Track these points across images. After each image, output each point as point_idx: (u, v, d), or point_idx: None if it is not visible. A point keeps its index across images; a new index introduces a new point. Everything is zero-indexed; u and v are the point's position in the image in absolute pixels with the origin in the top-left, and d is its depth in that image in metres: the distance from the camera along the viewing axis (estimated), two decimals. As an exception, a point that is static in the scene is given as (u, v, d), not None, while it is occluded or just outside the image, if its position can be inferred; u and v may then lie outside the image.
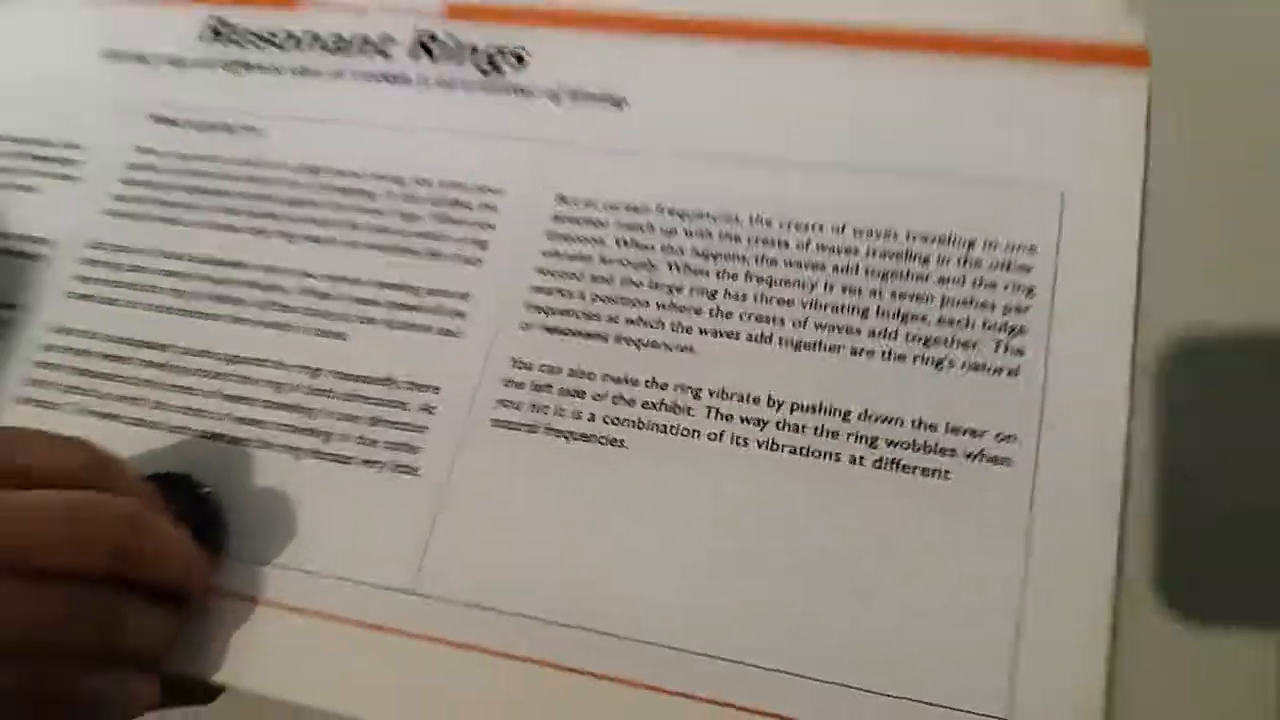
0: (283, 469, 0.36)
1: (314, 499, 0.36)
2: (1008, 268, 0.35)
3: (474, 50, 0.41)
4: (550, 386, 0.36)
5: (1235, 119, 0.37)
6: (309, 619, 0.34)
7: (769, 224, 0.37)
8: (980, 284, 0.34)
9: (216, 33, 0.44)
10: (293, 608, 0.34)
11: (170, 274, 0.40)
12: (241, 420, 0.37)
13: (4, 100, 0.45)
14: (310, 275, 0.39)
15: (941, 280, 0.35)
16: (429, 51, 0.42)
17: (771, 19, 0.39)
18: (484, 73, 0.41)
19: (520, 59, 0.41)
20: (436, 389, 0.36)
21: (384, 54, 0.42)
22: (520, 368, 0.36)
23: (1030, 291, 0.34)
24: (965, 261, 0.35)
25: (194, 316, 0.39)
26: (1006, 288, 0.34)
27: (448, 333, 0.37)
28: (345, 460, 0.36)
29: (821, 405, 0.34)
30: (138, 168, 0.42)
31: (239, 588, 0.35)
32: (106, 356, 0.39)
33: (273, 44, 0.43)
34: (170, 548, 0.33)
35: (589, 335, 0.36)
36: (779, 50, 0.39)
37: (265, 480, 0.36)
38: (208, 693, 0.35)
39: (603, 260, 0.37)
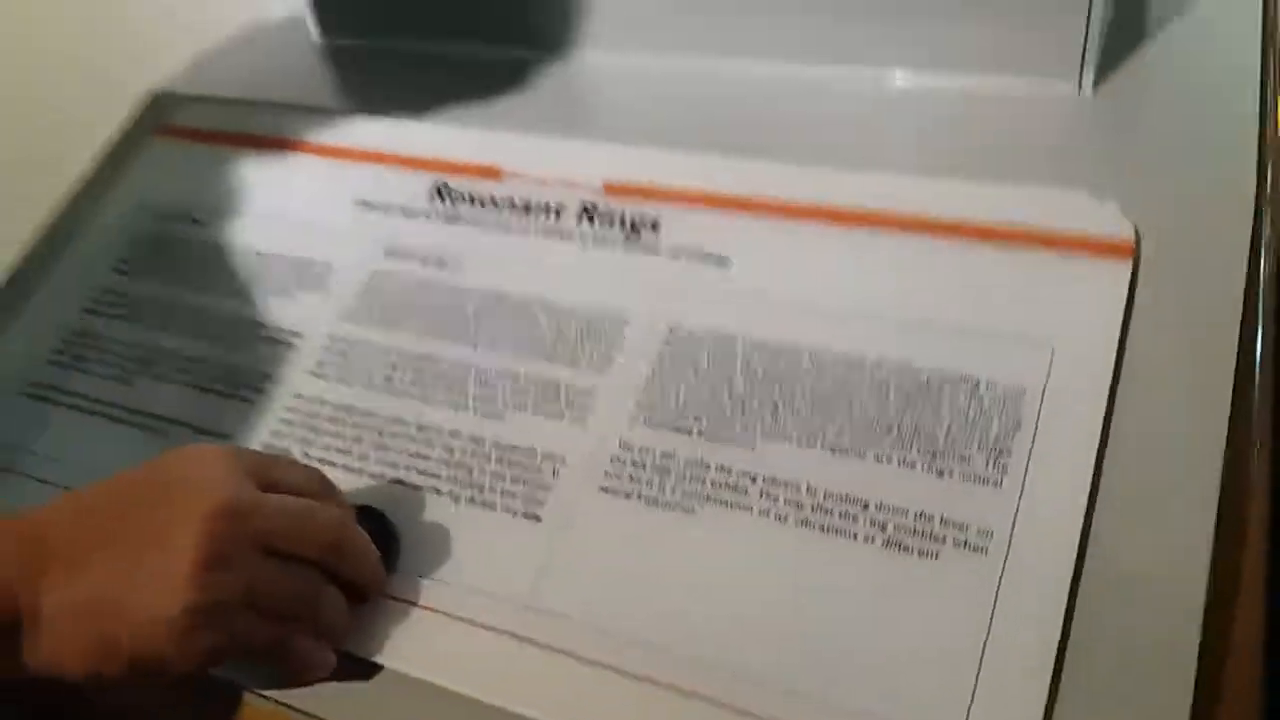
0: (445, 509, 0.49)
1: (465, 532, 0.48)
2: (1003, 403, 0.45)
3: (622, 218, 0.56)
4: (644, 465, 0.47)
5: (1209, 293, 0.46)
6: (453, 620, 0.46)
7: (823, 358, 0.48)
8: (980, 414, 0.45)
9: (439, 192, 0.60)
10: (442, 612, 0.46)
11: (383, 364, 0.55)
12: (421, 472, 0.50)
13: (286, 227, 0.61)
14: (483, 370, 0.53)
15: (950, 409, 0.45)
16: (590, 217, 0.56)
17: (839, 205, 0.52)
18: (627, 235, 0.55)
19: (654, 226, 0.55)
20: (563, 459, 0.49)
21: (557, 217, 0.57)
22: (624, 449, 0.48)
23: (1019, 423, 0.44)
24: (970, 396, 0.45)
25: (397, 395, 0.53)
26: (1000, 418, 0.44)
27: (576, 420, 0.50)
28: (491, 506, 0.48)
29: (847, 496, 0.44)
30: (370, 286, 0.58)
31: (403, 593, 0.47)
32: (329, 419, 0.54)
33: (479, 204, 0.59)
34: (361, 553, 0.46)
35: (677, 429, 0.48)
36: (843, 230, 0.51)
37: (432, 516, 0.49)
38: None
39: (695, 375, 0.49)
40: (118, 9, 0.84)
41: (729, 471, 0.46)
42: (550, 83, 0.67)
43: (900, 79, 0.59)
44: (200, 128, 0.69)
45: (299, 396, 0.55)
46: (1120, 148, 0.54)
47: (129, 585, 0.41)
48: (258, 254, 0.61)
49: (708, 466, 0.47)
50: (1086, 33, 0.54)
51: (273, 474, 0.45)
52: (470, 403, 0.52)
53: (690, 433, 0.48)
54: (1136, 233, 0.48)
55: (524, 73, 0.68)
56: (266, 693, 0.46)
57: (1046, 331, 0.46)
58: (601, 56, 0.67)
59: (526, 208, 0.58)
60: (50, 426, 0.58)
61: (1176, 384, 0.44)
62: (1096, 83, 0.56)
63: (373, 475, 0.51)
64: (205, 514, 0.41)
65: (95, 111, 0.73)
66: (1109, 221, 0.48)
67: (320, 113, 0.67)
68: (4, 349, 0.62)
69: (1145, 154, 0.52)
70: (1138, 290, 0.46)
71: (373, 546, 0.47)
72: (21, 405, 0.59)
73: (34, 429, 0.58)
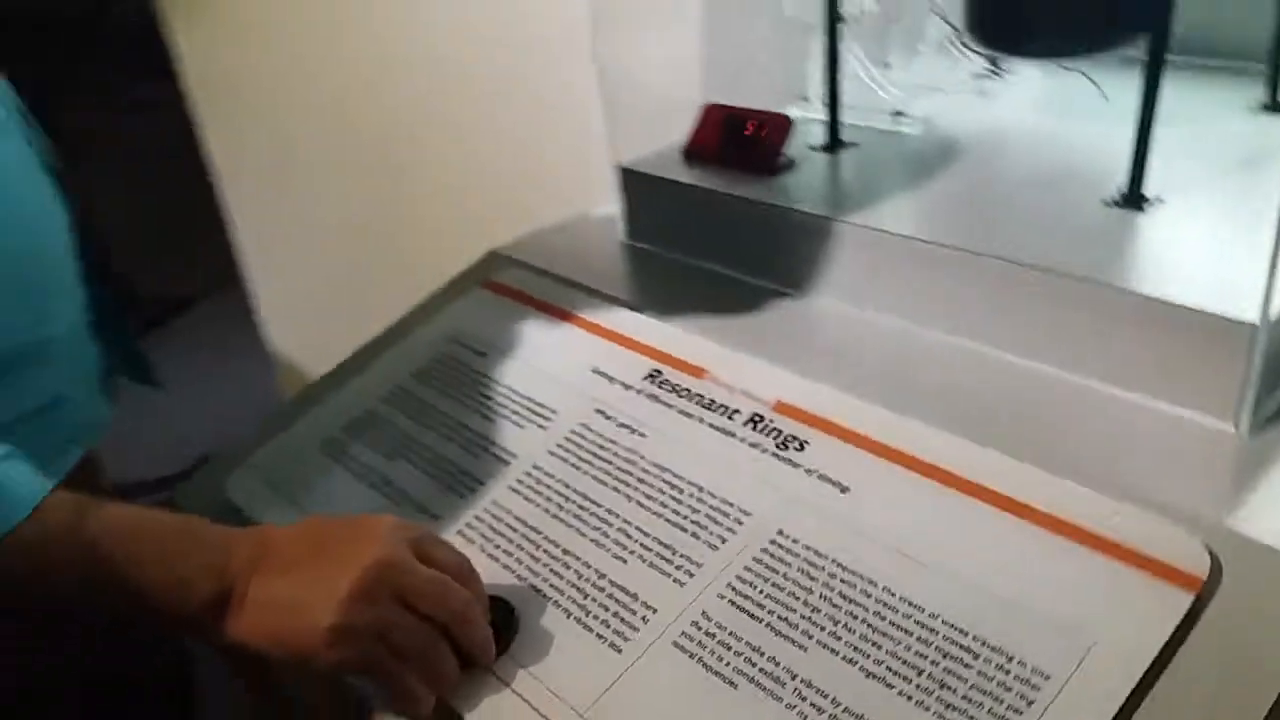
0: (558, 618, 0.60)
1: (564, 641, 0.59)
2: (1026, 681, 0.49)
3: (779, 432, 0.65)
4: (714, 635, 0.56)
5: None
6: (527, 706, 0.56)
7: (890, 594, 0.55)
8: (1002, 683, 0.49)
9: (652, 376, 0.73)
10: (521, 696, 0.57)
11: (560, 495, 0.68)
12: (552, 585, 0.62)
13: (536, 374, 0.77)
14: (628, 520, 0.64)
15: (979, 672, 0.50)
16: (755, 424, 0.67)
17: (957, 471, 0.58)
18: (778, 446, 0.65)
19: (802, 446, 0.64)
20: (656, 609, 0.58)
21: (730, 417, 0.68)
22: (705, 618, 0.57)
23: (1032, 702, 0.48)
24: (999, 667, 0.50)
25: (560, 521, 0.66)
26: (1017, 692, 0.48)
27: (678, 582, 0.59)
28: (590, 628, 0.59)
29: (862, 717, 0.50)
30: (574, 434, 0.72)
31: (502, 673, 0.58)
32: (508, 525, 0.67)
33: (677, 392, 0.71)
34: (477, 629, 0.58)
35: (751, 615, 0.56)
36: (953, 493, 0.58)
37: (546, 620, 0.60)
38: None
39: (783, 576, 0.57)
40: (475, 192, 1.08)
41: (776, 663, 0.54)
42: (779, 313, 0.79)
43: (1062, 377, 0.65)
44: (510, 285, 0.88)
45: (495, 503, 0.69)
46: (1244, 491, 0.56)
47: (306, 596, 0.55)
48: (509, 388, 0.77)
49: (761, 653, 0.54)
50: (1246, 376, 0.58)
51: (430, 551, 0.59)
52: (608, 543, 0.63)
53: (760, 620, 0.56)
54: (1214, 571, 0.50)
55: (762, 301, 0.81)
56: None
57: (1092, 632, 0.50)
58: (828, 303, 0.78)
59: (710, 404, 0.69)
60: (329, 476, 0.76)
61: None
62: (1258, 427, 0.59)
63: (518, 575, 0.63)
64: (367, 563, 0.55)
65: (451, 261, 0.95)
66: (1188, 553, 0.51)
67: (598, 296, 0.83)
68: (320, 412, 0.82)
69: (1262, 504, 0.54)
70: (1196, 625, 0.49)
71: (488, 627, 0.59)
72: (316, 456, 0.79)
73: (318, 476, 0.77)
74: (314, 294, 1.94)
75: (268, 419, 0.85)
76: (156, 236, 2.58)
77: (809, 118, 0.92)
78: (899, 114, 0.92)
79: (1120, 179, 0.71)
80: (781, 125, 0.87)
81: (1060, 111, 0.90)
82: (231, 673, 0.75)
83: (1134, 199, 0.70)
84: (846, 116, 0.90)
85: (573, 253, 0.92)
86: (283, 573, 0.57)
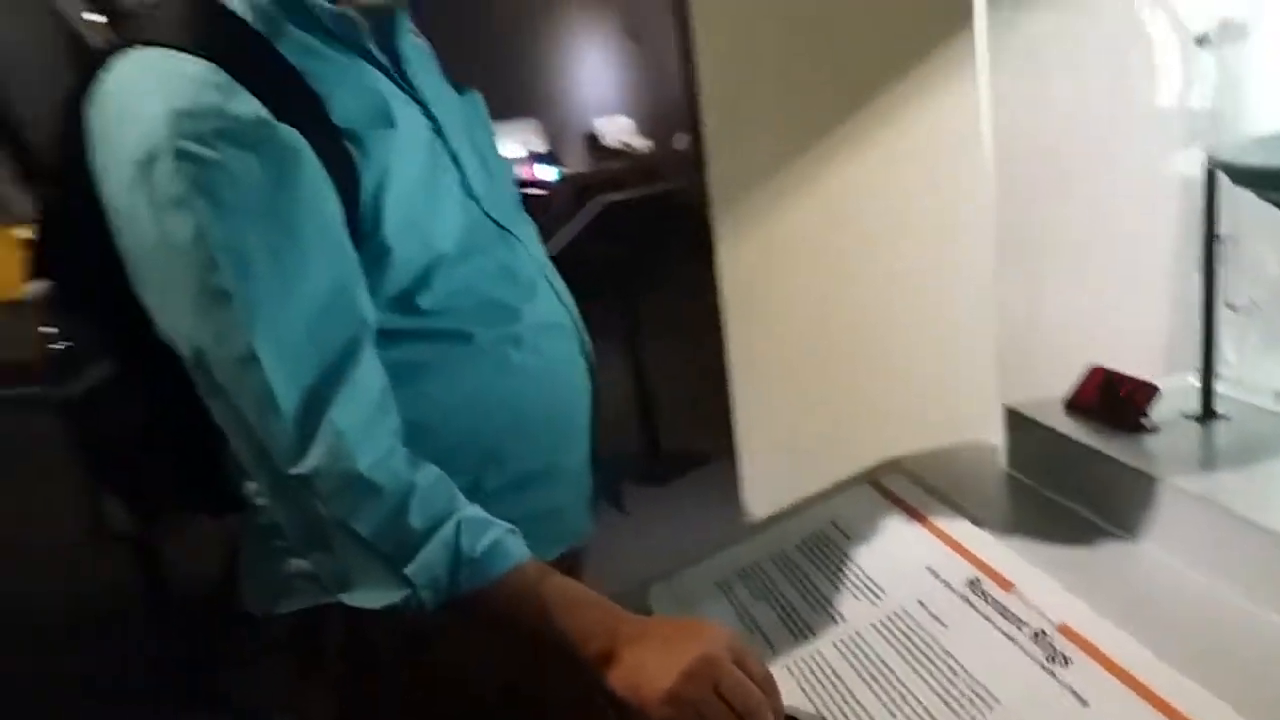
0: (831, 747, 0.78)
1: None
2: None
3: (1053, 647, 0.77)
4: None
5: None
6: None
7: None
8: None
9: (972, 583, 0.88)
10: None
11: (868, 660, 0.85)
12: (833, 716, 0.80)
13: (883, 560, 0.96)
14: (906, 689, 0.80)
15: None
16: (1036, 637, 0.79)
17: (1179, 708, 0.67)
18: (1047, 659, 0.77)
19: (1066, 662, 0.76)
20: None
21: (1018, 626, 0.81)
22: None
23: None
24: None
25: (856, 675, 0.83)
26: None
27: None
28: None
29: None
30: (893, 614, 0.89)
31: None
32: (823, 671, 0.86)
33: (985, 599, 0.86)
34: (769, 732, 0.78)
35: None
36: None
37: (823, 746, 0.78)
38: None
39: (1006, 757, 0.70)
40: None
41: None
42: (1108, 553, 0.90)
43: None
44: (889, 488, 1.07)
45: (818, 652, 0.89)
46: None
47: (657, 666, 0.80)
48: (859, 567, 0.97)
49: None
50: None
51: (746, 661, 0.80)
52: (887, 699, 0.80)
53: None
54: None
55: (1099, 539, 0.92)
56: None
57: None
58: (1157, 554, 0.88)
59: (1005, 612, 0.83)
60: (715, 601, 1.01)
61: None
62: None
63: (814, 705, 0.82)
64: (697, 654, 0.78)
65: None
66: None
67: (955, 509, 1.00)
68: (724, 557, 1.08)
69: None
70: None
71: (775, 730, 0.78)
72: (710, 588, 1.04)
73: (708, 600, 1.01)
74: (791, 464, 2.22)
75: (695, 559, 1.11)
76: (690, 397, 3.08)
77: (1194, 386, 1.01)
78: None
79: None
80: (1147, 392, 0.98)
81: None
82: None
83: None
84: (1231, 390, 0.98)
85: (954, 473, 1.09)
86: (647, 646, 0.81)
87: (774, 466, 2.28)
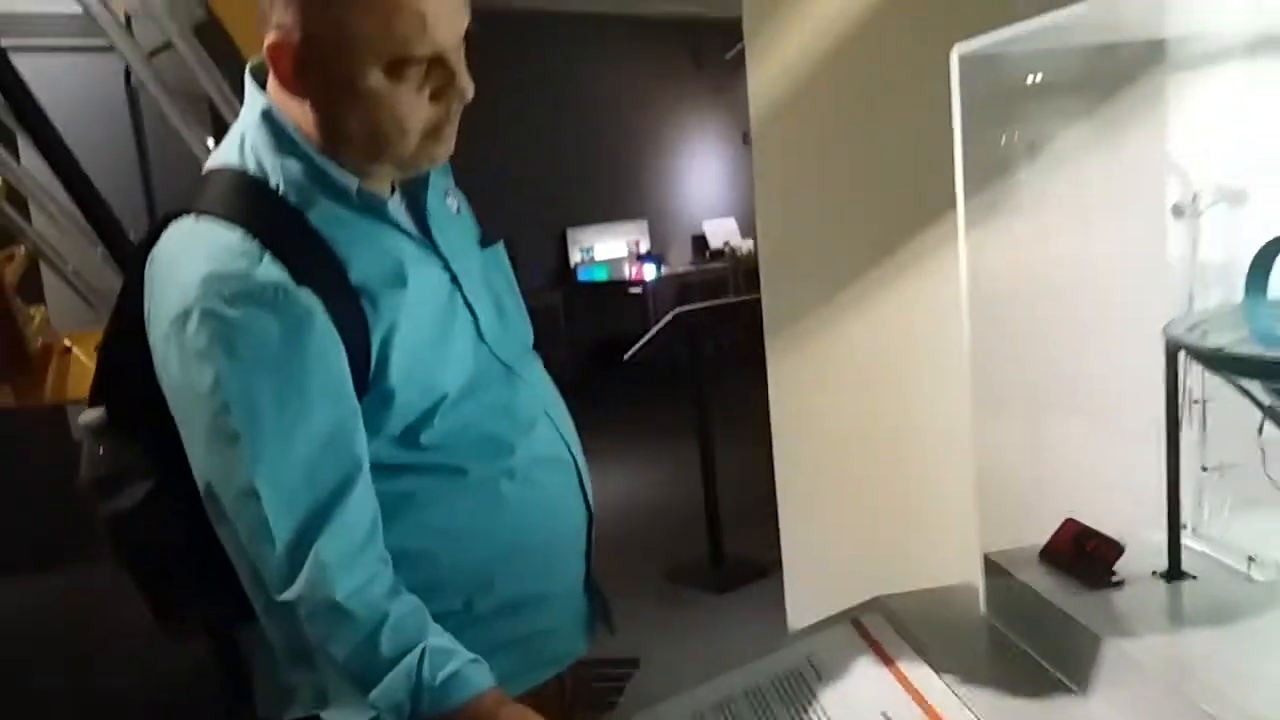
0: None
1: None
2: None
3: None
4: None
5: None
6: None
7: None
8: None
9: (918, 730, 0.92)
10: None
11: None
12: None
13: (840, 700, 1.00)
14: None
15: None
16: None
17: None
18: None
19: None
20: None
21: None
22: None
23: None
24: None
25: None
26: None
27: None
28: None
29: None
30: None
31: None
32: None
33: (926, 748, 0.89)
34: None
35: None
36: None
37: None
38: None
39: None
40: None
41: None
42: (1056, 710, 0.92)
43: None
44: (867, 628, 1.11)
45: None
46: None
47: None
48: (821, 706, 1.01)
49: None
50: None
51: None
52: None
53: None
54: None
55: (1054, 691, 0.94)
56: None
57: None
58: (1101, 709, 0.90)
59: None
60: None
61: None
62: None
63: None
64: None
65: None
66: None
67: (922, 659, 1.03)
68: (704, 690, 1.12)
69: None
70: None
71: None
72: (686, 716, 1.09)
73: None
74: (832, 581, 2.24)
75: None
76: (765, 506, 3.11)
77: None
78: (1252, 559, 0.99)
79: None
80: (1114, 550, 1.01)
81: None
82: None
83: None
84: (1209, 549, 1.01)
85: (932, 617, 1.13)
86: None
87: (817, 583, 2.30)
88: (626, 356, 3.23)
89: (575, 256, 7.27)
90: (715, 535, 3.33)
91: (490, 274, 1.11)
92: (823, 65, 1.75)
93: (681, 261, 7.80)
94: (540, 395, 1.11)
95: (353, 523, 0.90)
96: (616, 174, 7.53)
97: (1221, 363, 0.87)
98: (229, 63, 2.29)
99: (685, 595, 3.26)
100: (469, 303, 1.05)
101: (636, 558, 3.42)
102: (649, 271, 7.09)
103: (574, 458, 1.12)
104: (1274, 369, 0.83)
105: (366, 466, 0.93)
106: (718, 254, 7.64)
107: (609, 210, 7.44)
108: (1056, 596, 1.00)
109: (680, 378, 3.48)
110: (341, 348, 0.91)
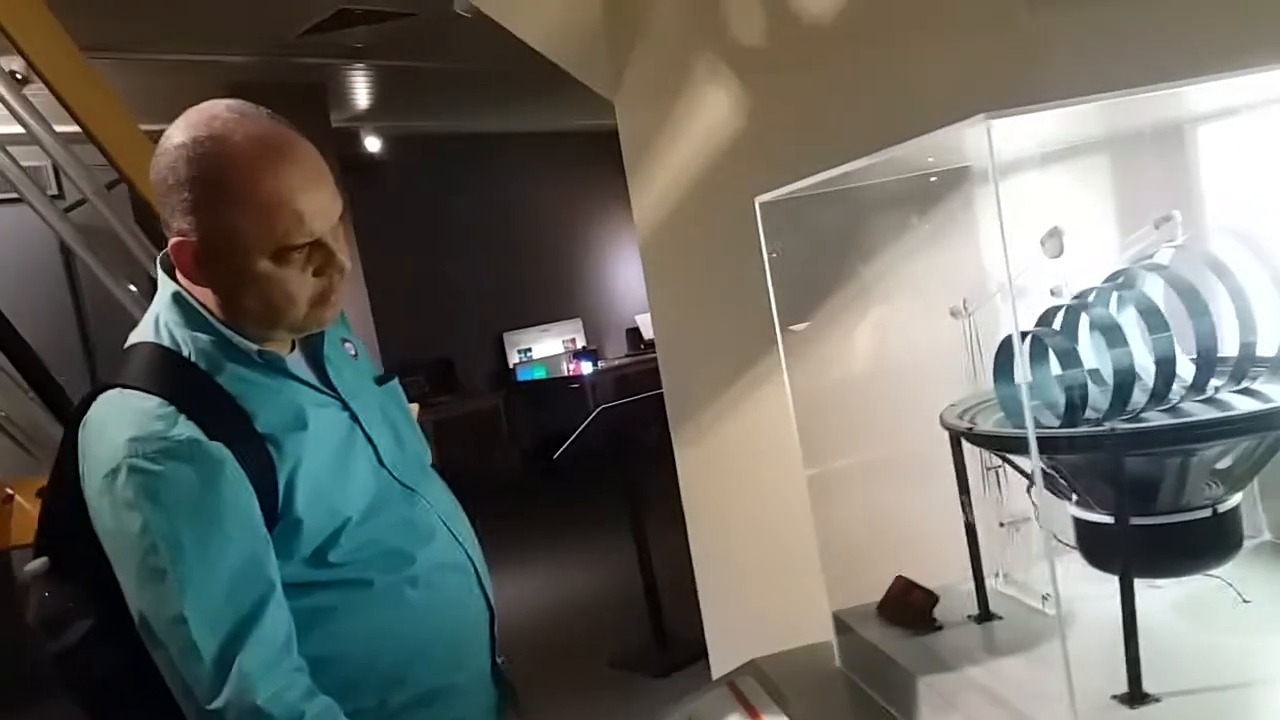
0: None
1: None
2: None
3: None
4: None
5: None
6: None
7: None
8: None
9: (771, 772, 1.07)
10: None
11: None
12: None
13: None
14: None
15: None
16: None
17: None
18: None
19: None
20: None
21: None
22: None
23: None
24: None
25: None
26: None
27: None
28: None
29: None
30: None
31: None
32: None
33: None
34: None
35: None
36: None
37: None
38: None
39: None
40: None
41: None
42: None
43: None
44: (739, 688, 1.27)
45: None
46: None
47: None
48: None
49: None
50: None
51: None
52: None
53: None
54: None
55: (881, 731, 1.10)
56: None
57: None
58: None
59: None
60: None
61: None
62: None
63: None
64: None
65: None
66: None
67: (784, 710, 1.19)
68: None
69: None
70: None
71: None
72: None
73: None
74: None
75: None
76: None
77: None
78: (1045, 596, 1.17)
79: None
80: (930, 599, 1.18)
81: (1193, 615, 1.08)
82: None
83: None
84: (1018, 593, 1.18)
85: (797, 674, 1.29)
86: None
87: (740, 654, 2.44)
88: (555, 456, 3.39)
89: (514, 358, 7.46)
90: (656, 620, 3.45)
91: (387, 407, 1.28)
92: (689, 196, 1.99)
93: (617, 354, 8.05)
94: (438, 508, 1.26)
95: (269, 637, 1.05)
96: (550, 278, 7.83)
97: (974, 440, 1.06)
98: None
99: (632, 681, 3.36)
100: (368, 435, 1.21)
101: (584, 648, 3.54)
102: (586, 367, 7.30)
103: (472, 561, 1.27)
104: (1009, 443, 1.02)
105: (279, 587, 1.07)
106: (651, 344, 7.87)
107: (545, 312, 7.69)
108: (888, 645, 1.16)
109: (614, 469, 3.64)
110: (250, 488, 1.07)
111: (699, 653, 3.40)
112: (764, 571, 2.14)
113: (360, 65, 5.58)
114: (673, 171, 2.09)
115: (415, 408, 1.41)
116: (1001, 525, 1.22)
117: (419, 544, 1.21)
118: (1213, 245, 1.05)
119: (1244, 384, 1.02)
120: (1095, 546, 1.04)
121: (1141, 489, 0.97)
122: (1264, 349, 1.01)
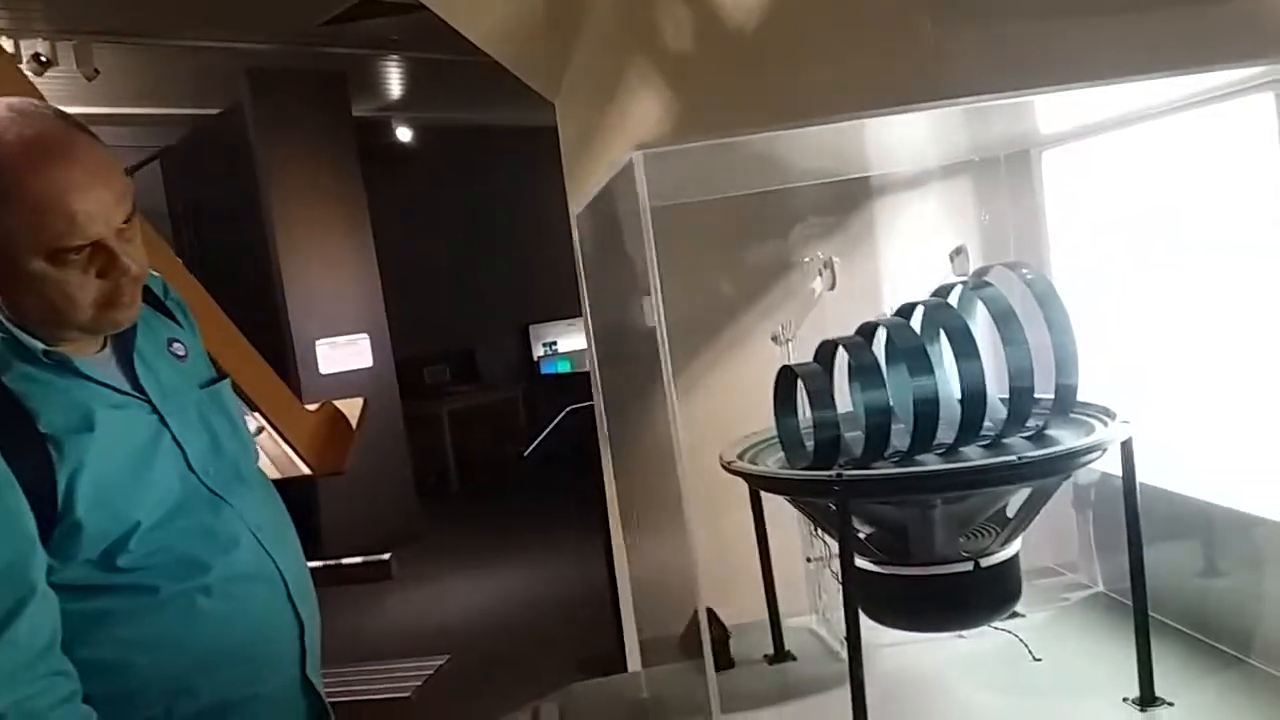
0: None
1: None
2: None
3: None
4: None
5: None
6: None
7: None
8: None
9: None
10: None
11: None
12: None
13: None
14: None
15: None
16: None
17: None
18: None
19: None
20: None
21: None
22: None
23: None
24: None
25: None
26: None
27: None
28: None
29: None
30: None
31: None
32: None
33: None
34: None
35: None
36: None
37: None
38: None
39: None
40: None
41: None
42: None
43: None
44: (539, 715, 1.23)
45: None
46: None
47: None
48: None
49: None
50: None
51: None
52: None
53: None
54: None
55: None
56: None
57: None
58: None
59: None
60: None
61: None
62: None
63: None
64: None
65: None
66: None
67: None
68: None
69: None
70: None
71: None
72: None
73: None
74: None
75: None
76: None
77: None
78: (843, 641, 1.11)
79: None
80: (724, 633, 1.14)
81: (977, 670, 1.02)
82: None
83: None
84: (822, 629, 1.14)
85: (606, 702, 1.25)
86: None
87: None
88: (525, 453, 3.38)
89: (538, 351, 7.47)
90: (620, 626, 3.42)
91: (208, 411, 1.27)
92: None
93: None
94: (249, 518, 1.25)
95: (23, 642, 1.04)
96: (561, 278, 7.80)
97: (736, 473, 1.01)
98: None
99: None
100: (177, 438, 1.20)
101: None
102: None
103: (281, 573, 1.25)
104: (756, 480, 0.97)
105: (41, 590, 1.07)
106: (679, 342, 7.82)
107: (572, 306, 7.64)
108: (685, 679, 1.12)
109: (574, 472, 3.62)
110: (18, 490, 1.06)
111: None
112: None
113: (391, 55, 5.60)
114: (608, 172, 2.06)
115: (255, 416, 1.39)
116: (809, 561, 1.17)
117: (216, 553, 1.19)
118: (1003, 284, 0.98)
119: (1030, 428, 0.96)
120: (864, 593, 0.99)
121: (891, 538, 0.91)
122: (1044, 390, 0.95)
